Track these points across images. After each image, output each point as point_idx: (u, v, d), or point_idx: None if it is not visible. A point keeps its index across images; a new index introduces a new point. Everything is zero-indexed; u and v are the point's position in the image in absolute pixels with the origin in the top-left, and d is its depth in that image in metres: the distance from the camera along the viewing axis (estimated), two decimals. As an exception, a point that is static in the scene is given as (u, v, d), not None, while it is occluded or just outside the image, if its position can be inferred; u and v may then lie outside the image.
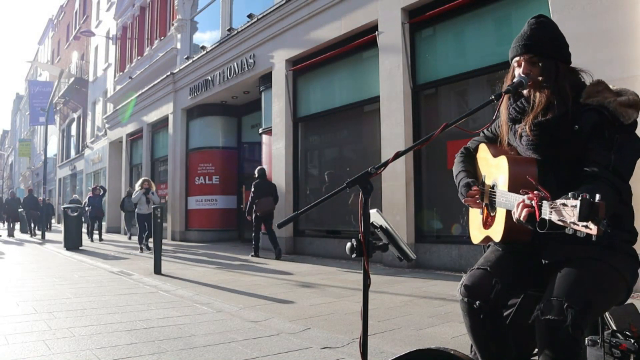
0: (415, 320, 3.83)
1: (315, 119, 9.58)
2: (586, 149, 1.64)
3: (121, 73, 20.04)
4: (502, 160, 1.76)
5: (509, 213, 1.63)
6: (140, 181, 11.23)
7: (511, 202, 1.58)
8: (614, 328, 1.81)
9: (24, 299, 5.02)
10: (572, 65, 1.81)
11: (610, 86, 1.73)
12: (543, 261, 1.70)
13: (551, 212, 1.33)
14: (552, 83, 1.72)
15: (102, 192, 15.16)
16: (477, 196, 1.88)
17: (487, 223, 1.87)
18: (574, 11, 5.24)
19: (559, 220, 1.30)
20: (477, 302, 1.70)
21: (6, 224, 19.35)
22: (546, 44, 1.75)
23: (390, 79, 7.46)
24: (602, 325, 1.82)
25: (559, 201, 1.31)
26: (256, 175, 9.10)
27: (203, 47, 13.01)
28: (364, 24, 7.99)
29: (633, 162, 1.65)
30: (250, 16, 10.76)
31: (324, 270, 7.01)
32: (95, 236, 14.73)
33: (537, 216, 1.39)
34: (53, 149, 33.52)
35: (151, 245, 9.20)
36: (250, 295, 5.04)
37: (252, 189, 8.92)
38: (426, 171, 7.26)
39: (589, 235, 1.25)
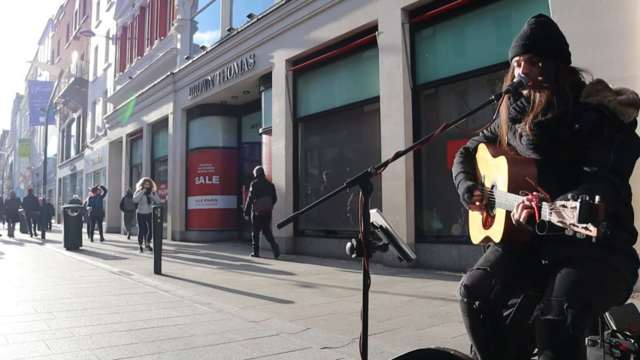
0: (415, 320, 3.83)
1: (315, 119, 9.58)
2: (586, 148, 1.64)
3: (121, 73, 20.05)
4: (502, 161, 1.76)
5: (508, 214, 1.63)
6: (141, 181, 11.18)
7: (511, 203, 1.58)
8: (614, 328, 1.81)
9: (24, 299, 5.02)
10: (572, 65, 1.80)
11: (610, 85, 1.73)
12: (543, 261, 1.70)
13: (551, 213, 1.33)
14: (552, 83, 1.72)
15: (102, 192, 15.15)
16: (480, 203, 1.87)
17: (487, 223, 1.87)
18: (574, 11, 5.24)
19: (558, 221, 1.30)
20: (477, 303, 1.70)
21: (6, 224, 19.35)
22: (546, 44, 1.75)
23: (390, 79, 7.46)
24: (602, 325, 1.82)
25: (558, 202, 1.31)
26: (255, 175, 9.12)
27: (203, 47, 13.01)
28: (364, 24, 7.99)
29: (632, 161, 1.65)
30: (250, 16, 10.76)
31: (324, 270, 7.01)
32: (96, 236, 14.73)
33: (537, 217, 1.39)
34: (53, 149, 33.52)
35: (152, 245, 9.20)
36: (250, 295, 5.04)
37: (250, 189, 8.94)
38: (426, 171, 7.26)
39: (588, 237, 1.25)
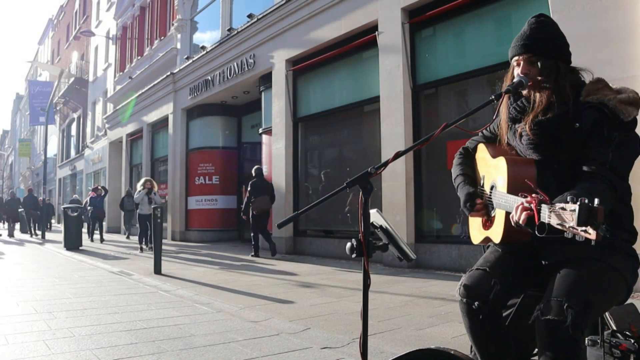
0: (415, 320, 3.83)
1: (315, 119, 9.58)
2: (585, 146, 1.64)
3: (121, 73, 20.04)
4: (501, 162, 1.75)
5: (508, 215, 1.63)
6: (142, 181, 11.11)
7: (510, 204, 1.58)
8: (614, 328, 1.81)
9: (24, 299, 5.02)
10: (572, 64, 1.80)
11: (610, 85, 1.73)
12: (543, 262, 1.70)
13: (550, 215, 1.33)
14: (552, 83, 1.72)
15: (103, 192, 15.14)
16: (482, 209, 1.87)
17: (487, 224, 1.86)
18: (574, 11, 5.24)
19: (557, 224, 1.30)
20: (476, 303, 1.70)
21: (6, 224, 19.35)
22: (546, 44, 1.75)
23: (390, 79, 7.46)
24: (602, 325, 1.82)
25: (557, 205, 1.31)
26: (253, 174, 9.15)
27: (203, 47, 13.01)
28: (364, 24, 7.99)
29: (631, 160, 1.65)
30: (250, 16, 10.76)
31: (324, 270, 7.01)
32: (96, 236, 14.73)
33: (536, 220, 1.39)
34: (53, 149, 33.53)
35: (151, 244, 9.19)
36: (250, 295, 5.04)
37: (249, 188, 8.97)
38: (426, 171, 7.25)
39: (588, 240, 1.25)
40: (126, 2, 19.64)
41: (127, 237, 15.61)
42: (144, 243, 10.95)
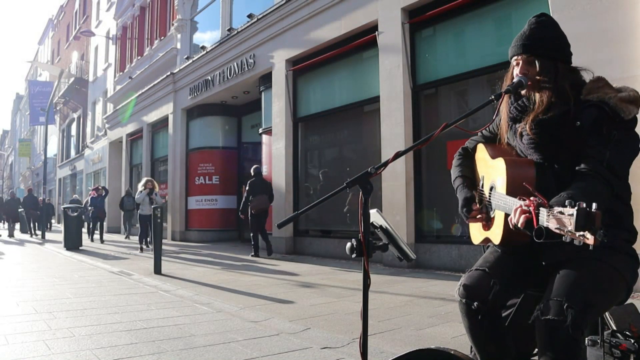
0: (415, 320, 3.83)
1: (315, 119, 9.58)
2: (584, 144, 1.64)
3: (121, 73, 20.05)
4: (500, 162, 1.75)
5: (507, 216, 1.63)
6: (143, 181, 11.04)
7: (509, 206, 1.58)
8: (614, 328, 1.81)
9: (24, 299, 5.02)
10: (573, 64, 1.80)
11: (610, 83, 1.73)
12: (543, 262, 1.70)
13: (548, 219, 1.34)
14: (551, 83, 1.72)
15: (104, 193, 15.13)
16: (479, 216, 1.88)
17: (487, 224, 1.86)
18: (574, 11, 5.24)
19: (556, 228, 1.31)
20: (475, 303, 1.70)
21: (6, 224, 19.35)
22: (545, 44, 1.74)
23: (390, 79, 7.46)
24: (602, 325, 1.82)
25: (556, 209, 1.32)
26: (252, 173, 9.17)
27: (203, 47, 13.01)
28: (364, 24, 7.99)
29: (629, 159, 1.65)
30: (250, 16, 10.76)
31: (324, 270, 7.01)
32: (96, 236, 14.73)
33: (535, 224, 1.39)
34: (53, 149, 33.53)
35: (152, 245, 9.19)
36: (250, 295, 5.04)
37: (247, 188, 9.00)
38: (426, 171, 7.26)
39: (586, 244, 1.25)
40: (126, 2, 19.64)
41: (127, 237, 15.61)
42: (144, 243, 10.94)
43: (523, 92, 1.79)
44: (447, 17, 7.05)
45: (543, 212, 1.37)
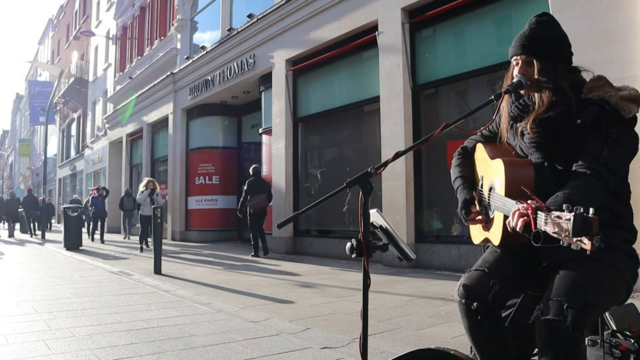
0: (415, 320, 3.83)
1: (315, 119, 9.58)
2: (583, 141, 1.64)
3: (121, 73, 20.05)
4: (499, 163, 1.75)
5: (506, 218, 1.63)
6: (145, 182, 10.99)
7: (508, 208, 1.58)
8: (614, 328, 1.81)
9: (24, 299, 5.02)
10: (573, 64, 1.80)
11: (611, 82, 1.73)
12: (543, 262, 1.70)
13: (546, 223, 1.34)
14: (550, 83, 1.72)
15: (105, 193, 15.14)
16: (478, 218, 1.88)
17: (486, 225, 1.86)
18: (574, 11, 5.24)
19: (553, 232, 1.31)
20: (475, 304, 1.70)
21: (6, 224, 19.35)
22: (544, 45, 1.74)
23: (390, 79, 7.46)
24: (602, 325, 1.82)
25: (553, 214, 1.32)
26: (251, 173, 9.20)
27: (203, 47, 13.01)
28: (364, 24, 7.99)
29: (627, 158, 1.66)
30: (250, 16, 10.76)
31: (324, 270, 7.01)
32: (96, 236, 14.73)
33: (533, 227, 1.39)
34: (53, 149, 33.53)
35: (152, 245, 9.19)
36: (250, 295, 5.04)
37: (245, 187, 9.02)
38: (426, 171, 7.26)
39: (583, 249, 1.26)
40: (126, 2, 19.64)
41: (126, 238, 15.60)
42: (144, 243, 10.94)
43: (523, 92, 1.79)
44: (447, 17, 7.04)
45: (541, 216, 1.37)
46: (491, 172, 1.84)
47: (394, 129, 7.29)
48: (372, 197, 1.62)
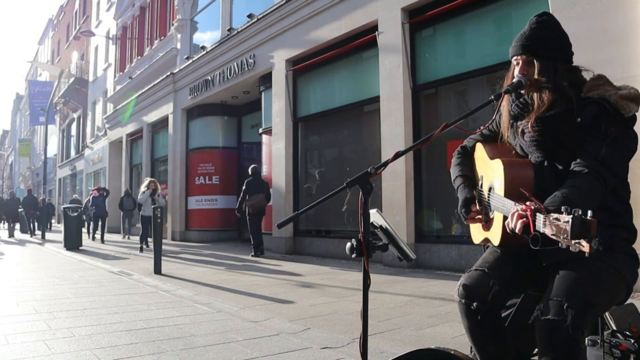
0: (415, 320, 3.83)
1: (315, 119, 9.58)
2: (583, 140, 1.64)
3: (121, 73, 20.05)
4: (498, 164, 1.75)
5: (506, 218, 1.63)
6: (146, 182, 10.95)
7: (507, 209, 1.58)
8: (614, 328, 1.81)
9: (24, 299, 5.02)
10: (573, 64, 1.80)
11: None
12: (543, 263, 1.70)
13: (544, 225, 1.34)
14: (550, 83, 1.72)
15: (105, 193, 15.15)
16: (478, 217, 1.88)
17: (486, 225, 1.86)
18: (574, 11, 5.24)
19: (552, 235, 1.31)
20: (475, 304, 1.70)
21: (6, 224, 19.35)
22: (544, 45, 1.74)
23: (390, 79, 7.46)
24: (602, 325, 1.82)
25: (552, 216, 1.32)
26: (250, 172, 9.21)
27: (203, 47, 13.01)
28: (364, 24, 7.99)
29: (626, 156, 1.66)
30: (250, 16, 10.76)
31: (324, 270, 7.01)
32: (97, 236, 14.73)
33: (532, 229, 1.39)
34: (53, 149, 33.53)
35: (152, 245, 9.19)
36: (250, 295, 5.04)
37: (244, 187, 9.06)
38: (426, 171, 7.26)
39: (582, 251, 1.26)
40: (126, 2, 19.64)
41: (125, 237, 15.60)
42: (144, 243, 10.93)
43: (523, 92, 1.79)
44: (447, 17, 7.04)
45: (540, 217, 1.37)
46: (491, 172, 1.84)
47: (394, 129, 7.29)
48: (372, 197, 1.62)
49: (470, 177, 1.99)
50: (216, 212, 13.71)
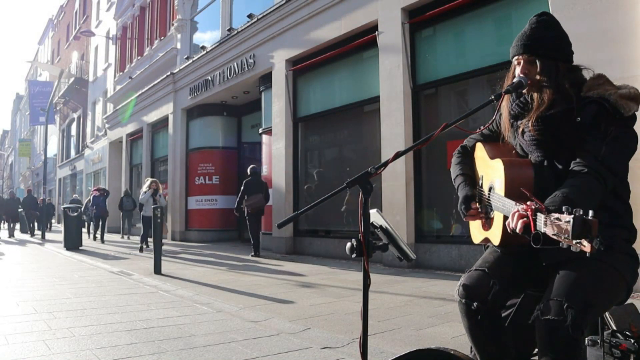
0: (415, 320, 3.83)
1: (315, 119, 9.58)
2: (583, 140, 1.64)
3: (121, 73, 20.05)
4: (498, 163, 1.75)
5: (506, 218, 1.63)
6: (148, 182, 10.90)
7: (507, 209, 1.58)
8: (614, 328, 1.81)
9: (24, 299, 5.02)
10: (574, 63, 1.80)
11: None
12: (543, 263, 1.70)
13: (545, 225, 1.34)
14: (552, 83, 1.72)
15: (105, 194, 15.15)
16: (477, 214, 1.88)
17: (486, 225, 1.86)
18: (574, 11, 5.24)
19: (553, 234, 1.31)
20: (475, 304, 1.69)
21: (6, 224, 19.35)
22: (545, 44, 1.75)
23: (390, 79, 7.46)
24: (602, 325, 1.82)
25: (553, 215, 1.32)
26: (248, 173, 9.23)
27: (203, 47, 13.01)
28: (364, 24, 7.99)
29: (625, 156, 1.66)
30: (250, 16, 10.76)
31: (324, 270, 7.01)
32: (97, 236, 14.73)
33: (532, 229, 1.39)
34: (53, 149, 33.53)
35: (152, 245, 9.18)
36: (250, 295, 5.04)
37: (242, 187, 9.10)
38: (426, 171, 7.26)
39: (583, 251, 1.26)
40: (126, 2, 19.64)
41: (125, 237, 15.59)
42: (144, 243, 10.92)
43: (524, 91, 1.79)
44: (447, 17, 7.04)
45: (540, 217, 1.37)
46: (491, 172, 1.84)
47: (394, 129, 7.29)
48: (372, 197, 1.62)
49: (470, 175, 1.99)
50: (216, 212, 13.72)
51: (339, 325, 3.71)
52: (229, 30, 11.89)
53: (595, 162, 1.58)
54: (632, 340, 1.75)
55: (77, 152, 28.56)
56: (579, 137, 1.65)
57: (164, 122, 15.59)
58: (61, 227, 13.56)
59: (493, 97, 1.77)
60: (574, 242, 1.25)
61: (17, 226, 20.08)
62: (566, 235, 1.26)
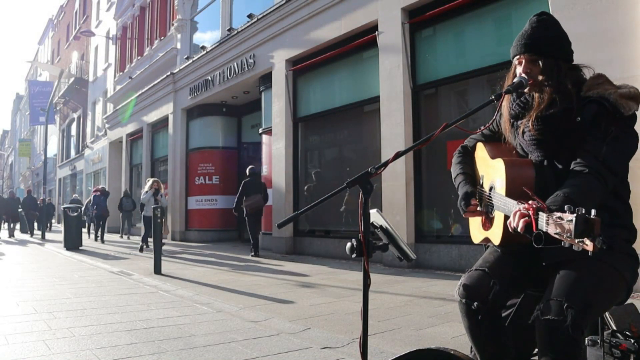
0: (415, 320, 3.83)
1: (315, 119, 9.58)
2: (583, 139, 1.64)
3: (121, 73, 20.05)
4: (499, 163, 1.75)
5: (507, 218, 1.63)
6: (150, 182, 10.88)
7: (509, 208, 1.58)
8: (614, 328, 1.81)
9: (24, 299, 5.02)
10: (573, 63, 1.80)
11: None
12: (543, 262, 1.70)
13: (547, 224, 1.34)
14: (553, 82, 1.72)
15: (106, 194, 15.14)
16: (477, 210, 1.88)
17: (487, 224, 1.86)
18: (574, 11, 5.24)
19: (555, 233, 1.31)
20: (475, 304, 1.69)
21: (6, 224, 19.35)
22: (547, 43, 1.75)
23: (390, 79, 7.46)
24: (602, 325, 1.82)
25: (555, 214, 1.32)
26: (247, 173, 9.24)
27: (203, 47, 13.01)
28: (364, 24, 7.99)
29: (626, 156, 1.66)
30: (250, 16, 10.76)
31: (324, 270, 7.01)
32: (98, 235, 14.73)
33: (534, 228, 1.39)
34: (53, 149, 33.53)
35: (152, 245, 9.18)
36: (250, 295, 5.04)
37: (241, 188, 9.13)
38: (426, 171, 7.26)
39: (585, 250, 1.26)
40: (126, 2, 19.64)
41: (125, 237, 15.58)
42: (145, 243, 10.91)
43: (525, 91, 1.79)
44: (447, 17, 7.04)
45: (542, 216, 1.37)
46: (492, 171, 1.83)
47: (394, 129, 7.29)
48: (372, 197, 1.62)
49: (471, 175, 1.99)
50: (216, 212, 13.72)
51: (339, 325, 3.71)
52: (229, 30, 11.89)
53: (596, 162, 1.58)
54: (632, 340, 1.75)
55: (77, 152, 28.56)
56: (579, 137, 1.65)
57: (164, 122, 15.59)
58: (61, 227, 13.55)
59: (493, 97, 1.77)
60: (577, 240, 1.25)
61: (17, 226, 20.08)
62: (568, 234, 1.25)
